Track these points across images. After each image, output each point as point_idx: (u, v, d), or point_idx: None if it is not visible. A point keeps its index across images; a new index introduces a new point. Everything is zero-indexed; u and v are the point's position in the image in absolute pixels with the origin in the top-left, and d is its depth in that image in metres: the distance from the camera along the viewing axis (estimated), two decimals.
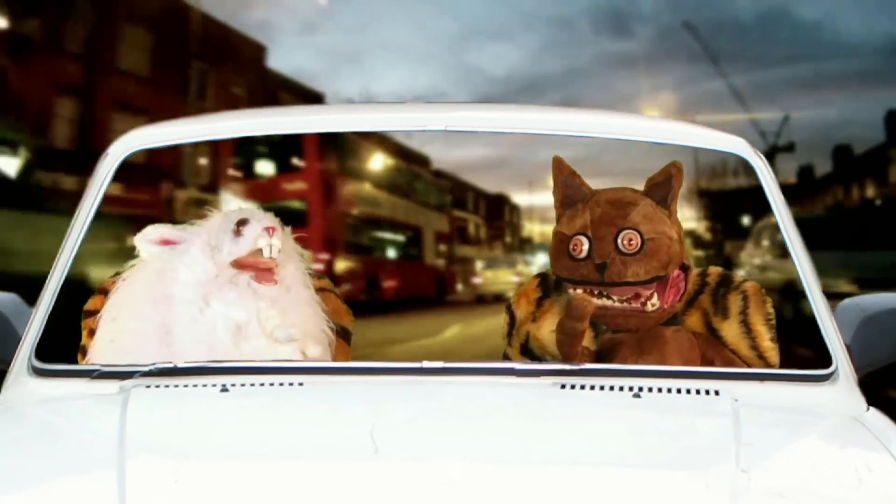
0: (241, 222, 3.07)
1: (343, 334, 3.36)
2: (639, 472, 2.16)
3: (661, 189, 3.16)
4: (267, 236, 3.02)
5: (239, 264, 3.06)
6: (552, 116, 3.21)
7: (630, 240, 3.05)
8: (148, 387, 2.66)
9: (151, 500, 2.01)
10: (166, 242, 3.11)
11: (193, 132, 3.34)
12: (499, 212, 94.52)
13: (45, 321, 2.88)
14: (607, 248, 3.05)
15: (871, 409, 2.72)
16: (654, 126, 3.19)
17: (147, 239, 3.13)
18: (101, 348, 3.10)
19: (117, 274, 3.26)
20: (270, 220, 3.10)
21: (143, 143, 3.09)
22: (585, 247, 3.08)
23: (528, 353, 3.34)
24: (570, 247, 3.10)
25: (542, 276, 3.45)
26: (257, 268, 3.05)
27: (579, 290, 3.09)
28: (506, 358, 3.37)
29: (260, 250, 3.03)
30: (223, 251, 3.06)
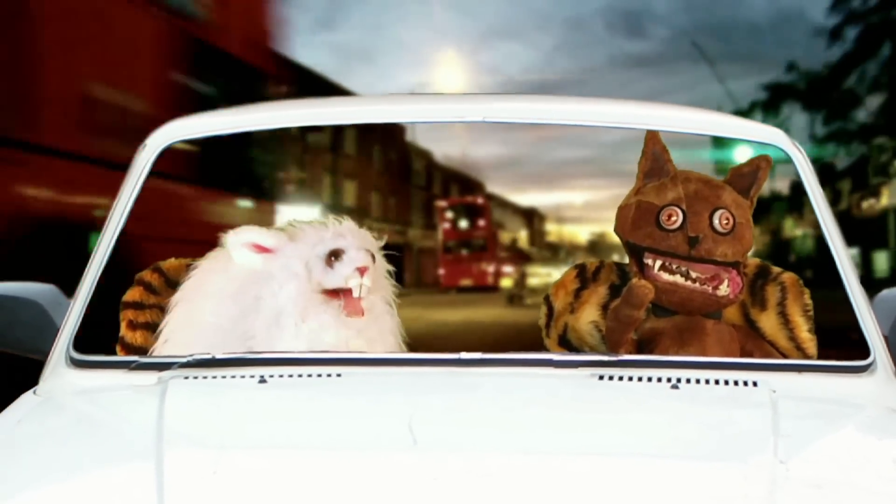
0: (335, 254, 3.04)
1: None
2: (677, 462, 2.15)
3: (746, 179, 3.18)
4: (358, 277, 3.00)
5: (329, 293, 3.04)
6: (591, 108, 3.19)
7: (726, 219, 3.06)
8: (186, 378, 2.66)
9: (190, 491, 2.02)
10: (260, 249, 3.09)
11: (231, 123, 3.34)
12: (530, 221, 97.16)
13: (83, 312, 2.88)
14: (702, 223, 3.06)
15: None
16: (693, 117, 3.17)
17: (241, 241, 3.10)
18: (174, 337, 3.11)
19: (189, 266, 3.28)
20: (363, 255, 3.05)
21: (181, 135, 3.10)
22: (679, 218, 3.08)
23: (566, 344, 3.33)
24: (662, 216, 3.10)
25: (580, 268, 3.44)
26: (348, 299, 3.03)
27: (658, 263, 3.09)
28: (544, 349, 3.36)
29: (350, 289, 3.02)
30: (313, 276, 3.04)
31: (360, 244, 3.09)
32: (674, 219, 3.08)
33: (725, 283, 3.07)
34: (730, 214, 3.07)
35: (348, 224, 3.16)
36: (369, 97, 3.31)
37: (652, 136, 3.25)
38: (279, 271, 3.05)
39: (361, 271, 3.00)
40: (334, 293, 3.03)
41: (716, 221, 3.06)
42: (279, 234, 3.14)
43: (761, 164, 3.17)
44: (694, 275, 3.06)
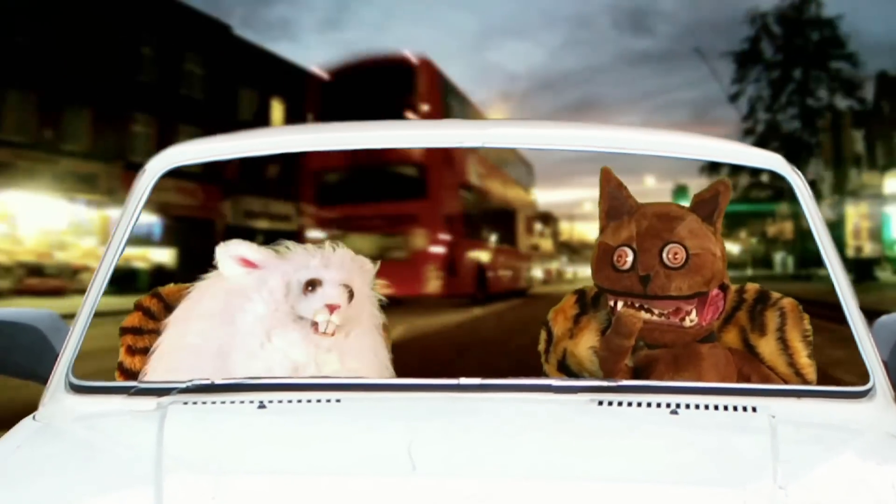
0: (312, 283, 3.06)
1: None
2: (676, 489, 2.15)
3: (708, 206, 3.16)
4: (326, 313, 3.01)
5: (300, 318, 3.06)
6: (589, 133, 3.20)
7: (675, 254, 3.05)
8: (185, 403, 2.67)
9: None
10: (247, 263, 3.13)
11: (230, 149, 3.35)
12: (546, 223, 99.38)
13: (82, 338, 2.89)
14: (652, 261, 3.06)
15: None
16: (691, 143, 3.18)
17: (230, 253, 3.14)
18: (157, 360, 3.13)
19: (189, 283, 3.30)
20: (338, 292, 3.06)
21: (181, 160, 3.10)
22: (630, 258, 3.08)
23: (566, 369, 3.33)
24: (615, 258, 3.11)
25: (580, 293, 3.45)
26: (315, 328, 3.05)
27: (620, 304, 3.09)
28: (543, 374, 3.37)
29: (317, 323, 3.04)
30: (289, 299, 3.07)
31: (341, 278, 3.10)
32: (625, 259, 3.09)
33: (692, 313, 3.09)
34: (681, 248, 3.06)
35: (341, 253, 3.18)
36: (370, 123, 3.30)
37: (605, 175, 3.27)
38: (256, 284, 3.09)
39: (331, 309, 3.02)
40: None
41: (666, 257, 3.06)
42: (268, 251, 3.17)
43: (720, 189, 3.16)
44: (656, 311, 3.07)
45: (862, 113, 63.65)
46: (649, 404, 2.61)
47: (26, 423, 2.73)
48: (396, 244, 31.86)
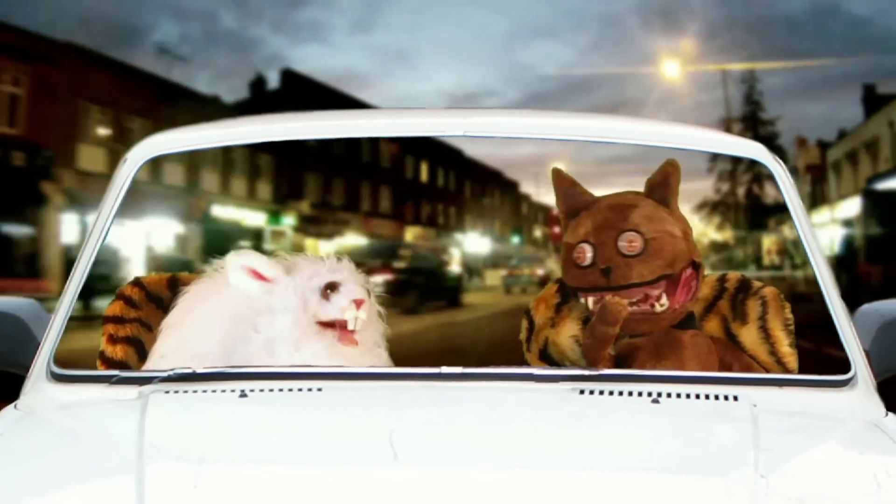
0: (331, 286, 3.08)
1: None
2: (657, 477, 2.15)
3: (661, 189, 3.17)
4: (354, 309, 3.05)
5: (325, 325, 3.07)
6: (571, 122, 3.20)
7: (631, 241, 3.06)
8: (167, 392, 2.66)
9: None
10: (258, 276, 3.11)
11: (211, 138, 3.33)
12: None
13: (63, 326, 2.88)
14: (609, 253, 3.06)
15: (890, 414, 2.71)
16: (672, 132, 3.17)
17: (241, 263, 3.13)
18: (161, 362, 3.08)
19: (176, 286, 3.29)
20: (359, 289, 3.10)
21: (162, 149, 3.09)
22: (589, 254, 3.09)
23: (547, 358, 3.33)
24: (576, 256, 3.12)
25: (561, 283, 3.44)
26: (342, 331, 3.06)
27: (591, 299, 3.10)
28: (524, 363, 3.37)
29: (346, 320, 3.05)
30: (309, 308, 3.07)
31: (355, 279, 3.13)
32: (585, 255, 3.11)
33: (662, 298, 3.09)
34: (636, 235, 3.07)
35: (344, 261, 3.19)
36: (352, 112, 3.30)
37: (557, 176, 3.30)
38: (275, 302, 3.08)
39: (358, 304, 3.04)
40: (330, 324, 3.06)
41: (622, 245, 3.07)
42: (277, 264, 3.16)
43: (668, 170, 3.17)
44: (626, 301, 3.07)
45: None
46: (630, 393, 2.61)
47: (8, 411, 2.73)
48: None
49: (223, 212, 50.33)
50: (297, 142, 3.27)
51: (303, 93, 58.59)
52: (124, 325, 3.29)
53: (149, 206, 35.45)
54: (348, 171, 65.71)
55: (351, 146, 63.92)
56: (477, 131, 3.09)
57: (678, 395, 2.61)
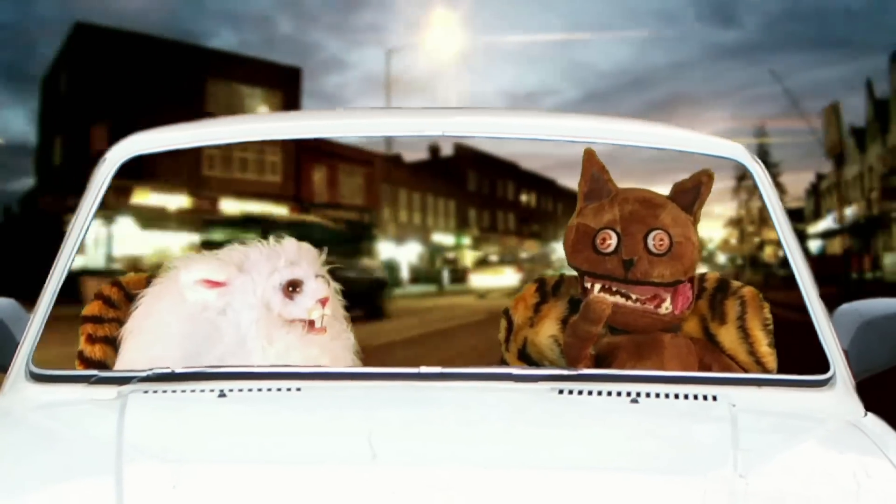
0: (293, 284, 3.05)
1: None
2: (636, 477, 2.15)
3: (689, 195, 3.18)
4: (320, 309, 3.03)
5: (291, 321, 3.05)
6: (550, 122, 3.21)
7: (661, 240, 3.07)
8: (146, 392, 2.66)
9: None
10: (212, 284, 3.05)
11: (191, 137, 3.32)
12: None
13: (42, 326, 2.87)
14: (637, 246, 3.07)
15: (869, 414, 2.71)
16: (652, 132, 3.17)
17: (193, 279, 3.05)
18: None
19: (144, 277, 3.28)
20: (322, 286, 3.07)
21: (141, 149, 3.08)
22: (613, 241, 3.10)
23: (526, 358, 3.33)
24: (598, 240, 3.12)
25: (540, 282, 3.45)
26: (311, 327, 3.05)
27: (598, 286, 3.10)
28: (503, 363, 3.37)
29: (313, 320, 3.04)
30: (272, 307, 3.03)
31: (313, 270, 3.10)
32: (608, 242, 3.10)
33: (667, 301, 3.10)
34: (665, 235, 3.08)
35: (296, 245, 3.16)
36: (331, 111, 3.29)
37: (589, 157, 3.27)
38: (235, 301, 3.04)
39: (323, 303, 3.03)
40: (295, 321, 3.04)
41: (651, 243, 3.07)
42: (229, 264, 3.10)
43: (703, 179, 3.18)
44: (633, 296, 3.08)
45: None
46: (609, 393, 2.62)
47: None
48: None
49: (437, 237, 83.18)
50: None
51: None
52: (103, 325, 3.28)
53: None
54: (492, 206, 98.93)
55: (492, 186, 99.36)
56: (455, 131, 3.09)
57: (657, 395, 2.61)
